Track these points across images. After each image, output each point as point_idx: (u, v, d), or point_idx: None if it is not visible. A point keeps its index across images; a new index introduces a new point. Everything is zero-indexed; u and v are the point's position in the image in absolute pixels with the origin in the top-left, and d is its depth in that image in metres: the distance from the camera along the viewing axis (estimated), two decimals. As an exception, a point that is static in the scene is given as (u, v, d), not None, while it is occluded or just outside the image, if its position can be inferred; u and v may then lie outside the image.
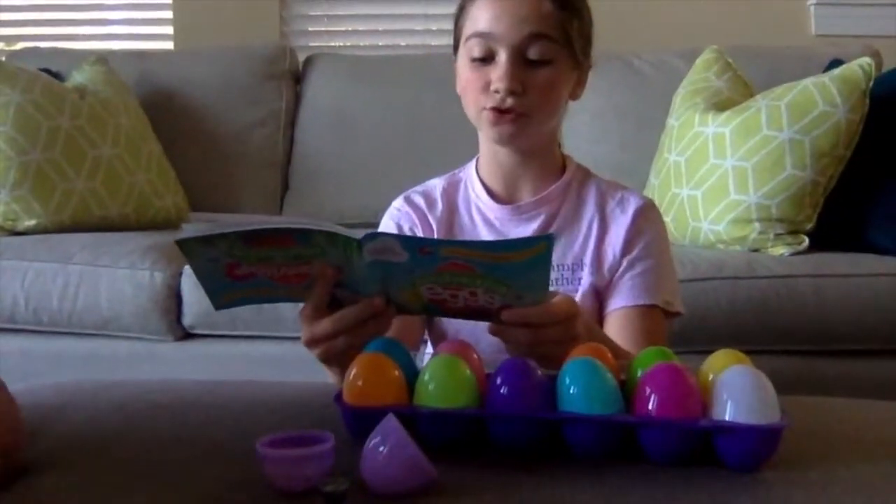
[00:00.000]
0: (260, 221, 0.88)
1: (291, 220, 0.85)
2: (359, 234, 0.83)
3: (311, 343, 0.90)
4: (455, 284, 0.84)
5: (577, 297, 1.15)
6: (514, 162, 1.19)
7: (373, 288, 0.86)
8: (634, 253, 1.17)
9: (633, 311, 1.15)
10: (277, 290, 0.90)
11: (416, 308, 0.90)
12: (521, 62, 1.09)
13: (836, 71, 1.84)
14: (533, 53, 1.09)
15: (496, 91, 1.09)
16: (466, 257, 0.81)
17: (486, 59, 1.10)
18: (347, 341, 0.88)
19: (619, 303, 1.16)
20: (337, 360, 0.90)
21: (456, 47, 1.17)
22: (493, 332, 0.89)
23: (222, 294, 0.90)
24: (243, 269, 0.86)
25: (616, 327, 1.13)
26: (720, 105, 1.95)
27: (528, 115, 1.11)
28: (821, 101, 1.79)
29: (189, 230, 0.83)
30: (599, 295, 1.17)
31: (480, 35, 1.10)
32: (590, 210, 1.20)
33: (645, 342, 1.09)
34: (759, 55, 2.27)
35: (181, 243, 0.83)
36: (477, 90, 1.11)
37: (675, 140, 1.97)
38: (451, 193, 1.25)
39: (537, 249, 0.80)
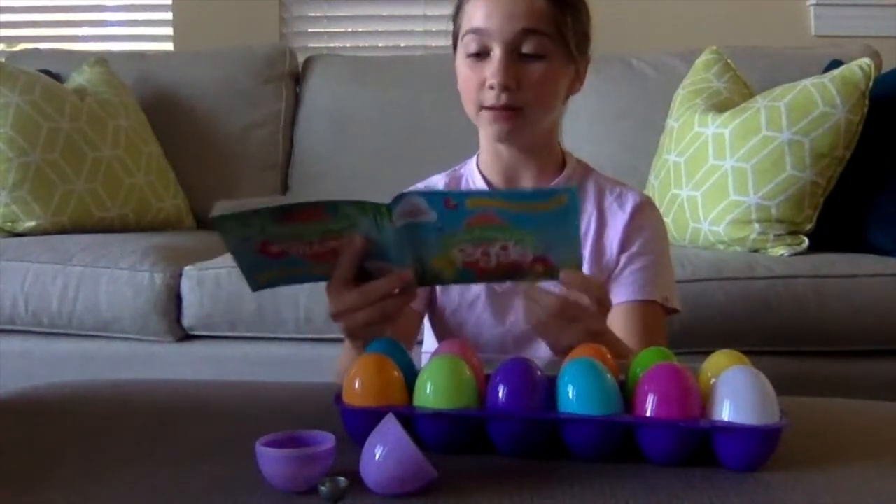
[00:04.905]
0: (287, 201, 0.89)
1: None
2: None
3: (338, 315, 0.92)
4: (486, 240, 0.85)
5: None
6: (515, 157, 1.20)
7: (405, 256, 0.87)
8: (633, 249, 1.18)
9: (632, 307, 1.16)
10: (311, 268, 0.90)
11: (449, 275, 0.91)
12: (514, 57, 1.10)
13: (836, 72, 1.84)
14: (526, 48, 1.10)
15: (491, 87, 1.10)
16: (492, 207, 0.82)
17: (482, 54, 1.12)
18: (373, 314, 0.89)
19: (619, 298, 1.17)
20: (361, 333, 0.91)
21: (455, 45, 1.18)
22: (526, 294, 0.93)
23: (258, 274, 0.91)
24: (276, 247, 0.87)
25: (616, 323, 1.13)
26: (720, 106, 1.95)
27: (524, 110, 1.12)
28: (820, 101, 1.79)
29: (222, 207, 0.83)
30: None
31: (475, 31, 1.11)
32: (588, 206, 1.21)
33: (645, 337, 1.11)
34: (758, 56, 2.26)
35: (217, 220, 0.84)
36: (474, 87, 1.12)
37: (675, 141, 1.97)
38: (452, 189, 1.25)
39: (559, 201, 0.82)
